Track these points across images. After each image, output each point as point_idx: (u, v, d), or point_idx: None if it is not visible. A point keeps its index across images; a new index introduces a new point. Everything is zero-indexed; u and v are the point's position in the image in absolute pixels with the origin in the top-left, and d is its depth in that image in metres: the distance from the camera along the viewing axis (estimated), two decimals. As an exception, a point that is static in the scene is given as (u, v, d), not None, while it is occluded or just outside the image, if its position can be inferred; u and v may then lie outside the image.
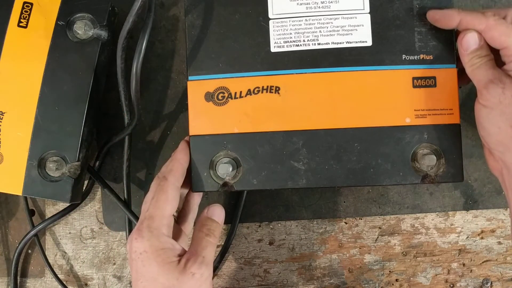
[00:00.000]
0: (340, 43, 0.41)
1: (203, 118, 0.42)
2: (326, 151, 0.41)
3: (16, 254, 0.49)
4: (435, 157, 0.40)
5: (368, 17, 0.42)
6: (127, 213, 0.47)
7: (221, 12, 0.42)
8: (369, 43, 0.41)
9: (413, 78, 0.41)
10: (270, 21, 0.42)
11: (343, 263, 0.50)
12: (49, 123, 0.43)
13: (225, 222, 0.46)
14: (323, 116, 0.41)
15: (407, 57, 0.41)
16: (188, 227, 0.45)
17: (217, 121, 0.42)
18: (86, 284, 0.51)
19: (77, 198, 0.45)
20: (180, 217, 0.45)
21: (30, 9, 0.44)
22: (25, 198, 0.50)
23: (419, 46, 0.41)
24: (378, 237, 0.50)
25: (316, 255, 0.50)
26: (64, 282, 0.50)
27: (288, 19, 0.42)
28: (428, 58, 0.41)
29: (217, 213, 0.42)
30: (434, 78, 0.41)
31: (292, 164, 0.41)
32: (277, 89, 0.41)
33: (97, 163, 0.49)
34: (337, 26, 0.42)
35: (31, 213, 0.51)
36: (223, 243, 0.50)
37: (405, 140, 0.41)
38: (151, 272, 0.37)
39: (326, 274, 0.50)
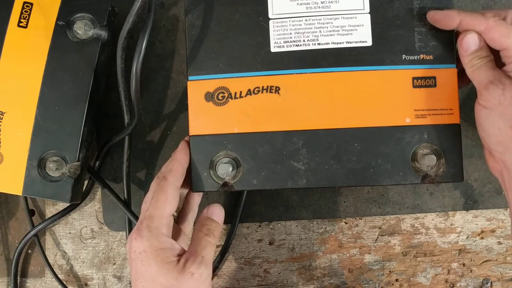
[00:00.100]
0: (340, 43, 0.41)
1: (203, 118, 0.42)
2: (326, 151, 0.41)
3: (16, 254, 0.49)
4: (435, 157, 0.40)
5: (368, 17, 0.41)
6: (127, 213, 0.47)
7: (221, 12, 0.42)
8: (369, 43, 0.41)
9: (413, 78, 0.41)
10: (270, 21, 0.42)
11: (343, 263, 0.50)
12: (49, 123, 0.43)
13: (225, 222, 0.46)
14: (323, 116, 0.41)
15: (407, 57, 0.41)
16: (188, 227, 0.45)
17: (217, 121, 0.42)
18: (86, 284, 0.51)
19: (77, 198, 0.45)
20: (180, 217, 0.45)
21: (30, 9, 0.44)
22: (25, 198, 0.50)
23: (419, 46, 0.41)
24: (378, 237, 0.50)
25: (316, 255, 0.50)
26: (64, 282, 0.50)
27: (288, 19, 0.42)
28: (428, 58, 0.41)
29: (217, 213, 0.42)
30: (434, 78, 0.41)
31: (292, 164, 0.41)
32: (277, 89, 0.41)
33: (97, 163, 0.49)
34: (337, 26, 0.42)
35: (31, 213, 0.51)
36: (223, 243, 0.50)
37: (405, 140, 0.41)
38: (150, 272, 0.37)
39: (326, 274, 0.50)
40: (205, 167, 0.42)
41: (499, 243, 0.50)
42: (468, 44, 0.38)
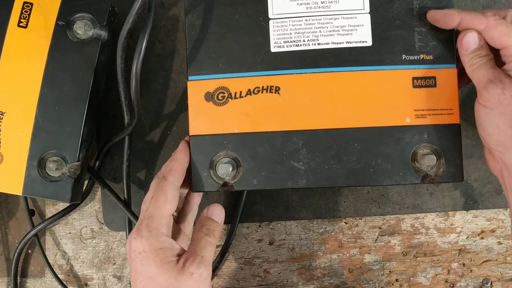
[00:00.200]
0: (340, 43, 0.41)
1: (203, 118, 0.42)
2: (326, 151, 0.41)
3: (16, 254, 0.49)
4: (435, 157, 0.40)
5: (368, 17, 0.41)
6: (127, 213, 0.47)
7: (221, 12, 0.42)
8: (369, 43, 0.41)
9: (413, 78, 0.41)
10: (270, 21, 0.42)
11: (343, 263, 0.50)
12: (49, 123, 0.43)
13: (225, 222, 0.46)
14: (323, 116, 0.41)
15: (407, 57, 0.41)
16: (188, 227, 0.45)
17: (217, 121, 0.42)
18: (86, 284, 0.51)
19: (77, 198, 0.45)
20: (180, 217, 0.45)
21: (30, 9, 0.44)
22: (25, 198, 0.50)
23: (419, 46, 0.41)
24: (378, 237, 0.50)
25: (316, 255, 0.50)
26: (64, 282, 0.50)
27: (288, 19, 0.42)
28: (428, 58, 0.41)
29: (217, 213, 0.42)
30: (434, 78, 0.41)
31: (292, 164, 0.41)
32: (277, 89, 0.41)
33: (97, 163, 0.49)
34: (337, 26, 0.42)
35: (31, 213, 0.51)
36: (223, 243, 0.50)
37: (405, 140, 0.41)
38: (149, 271, 0.37)
39: (326, 274, 0.50)
40: (205, 167, 0.42)
41: (499, 243, 0.50)
42: (468, 43, 0.38)
